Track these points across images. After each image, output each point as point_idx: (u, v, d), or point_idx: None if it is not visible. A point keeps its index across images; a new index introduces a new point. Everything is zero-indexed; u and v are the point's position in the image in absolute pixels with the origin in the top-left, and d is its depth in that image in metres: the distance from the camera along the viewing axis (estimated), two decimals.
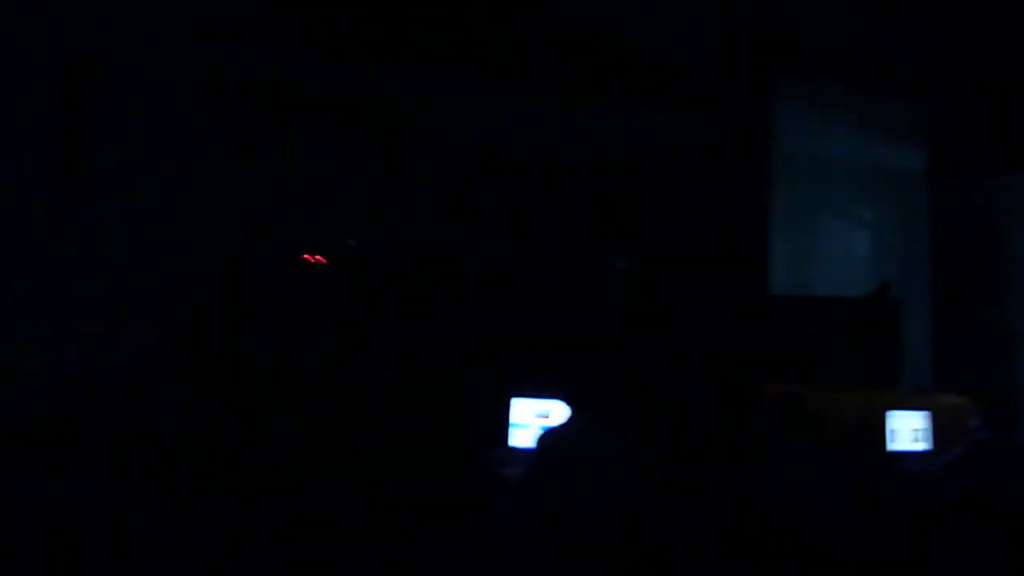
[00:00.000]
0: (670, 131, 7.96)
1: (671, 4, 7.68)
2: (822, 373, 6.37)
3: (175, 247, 5.66)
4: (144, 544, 4.06)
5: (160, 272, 5.54)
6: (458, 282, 6.50)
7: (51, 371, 4.91)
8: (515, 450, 4.71)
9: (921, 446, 5.76)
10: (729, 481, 4.78)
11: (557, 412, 4.60)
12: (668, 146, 7.95)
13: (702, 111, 7.93)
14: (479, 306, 6.16)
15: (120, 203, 5.31)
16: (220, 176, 6.46)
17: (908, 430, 5.78)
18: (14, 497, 4.12)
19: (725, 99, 8.05)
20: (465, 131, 7.45)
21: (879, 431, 5.72)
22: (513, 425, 4.82)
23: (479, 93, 7.32)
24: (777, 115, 8.16)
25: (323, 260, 6.58)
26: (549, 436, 4.03)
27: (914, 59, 8.54)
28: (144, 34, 5.44)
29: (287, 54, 6.68)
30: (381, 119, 7.19)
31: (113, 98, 5.29)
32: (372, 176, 7.28)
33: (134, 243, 5.40)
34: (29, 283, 5.11)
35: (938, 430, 5.86)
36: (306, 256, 6.52)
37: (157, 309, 5.50)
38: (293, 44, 6.66)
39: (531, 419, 4.78)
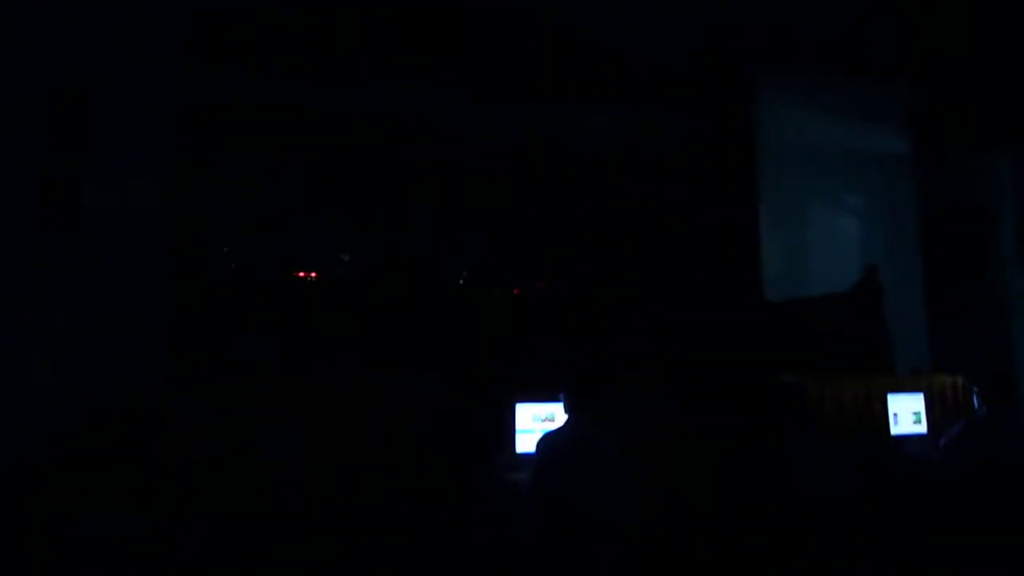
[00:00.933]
0: (654, 128, 8.00)
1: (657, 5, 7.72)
2: (820, 362, 6.40)
3: (167, 270, 5.67)
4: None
5: (154, 295, 5.53)
6: (455, 290, 6.51)
7: (49, 400, 4.90)
8: (520, 455, 4.73)
9: (921, 428, 5.79)
10: (741, 474, 4.79)
11: (560, 415, 4.51)
12: (653, 143, 7.98)
13: (685, 106, 7.98)
14: (477, 313, 6.18)
15: (110, 228, 5.31)
16: (210, 198, 6.48)
17: (907, 412, 5.80)
18: (20, 533, 4.09)
19: (707, 94, 8.09)
20: (454, 139, 7.47)
21: (880, 414, 5.75)
22: (518, 431, 4.82)
23: (465, 101, 7.35)
24: (760, 106, 8.23)
25: (315, 276, 6.58)
26: (549, 439, 4.01)
27: (895, 44, 8.57)
28: (130, 61, 5.45)
29: (269, 74, 6.69)
30: (370, 132, 7.21)
31: (101, 125, 5.30)
32: (364, 190, 7.30)
33: (126, 268, 5.39)
34: (22, 313, 5.10)
35: (936, 410, 5.92)
36: (299, 273, 6.53)
37: (153, 332, 5.49)
38: (275, 64, 6.67)
39: (535, 423, 4.80)
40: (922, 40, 8.46)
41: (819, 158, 8.57)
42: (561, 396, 4.06)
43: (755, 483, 4.57)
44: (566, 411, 4.05)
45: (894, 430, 5.72)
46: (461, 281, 7.07)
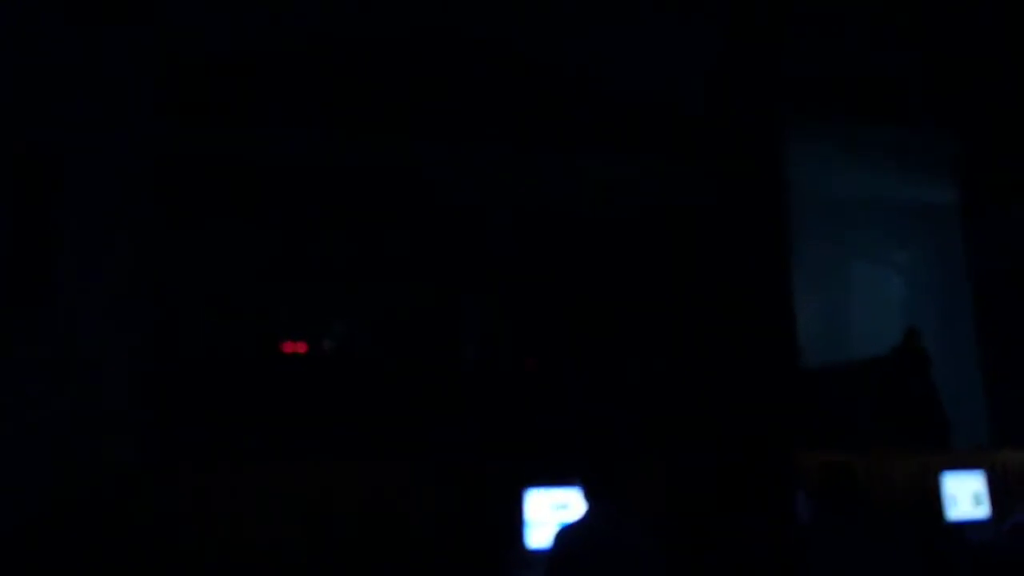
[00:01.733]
0: (685, 184, 7.69)
1: (680, 55, 7.50)
2: (865, 439, 5.99)
3: (147, 342, 5.40)
4: None
5: (134, 369, 5.26)
6: (457, 368, 6.16)
7: (21, 484, 4.60)
8: (532, 552, 4.28)
9: (982, 510, 5.33)
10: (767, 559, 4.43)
11: (576, 503, 4.23)
12: (683, 201, 7.65)
13: (716, 161, 7.68)
14: (481, 394, 5.82)
15: (85, 298, 5.06)
16: (189, 262, 6.21)
17: (966, 493, 5.35)
18: None
19: (738, 146, 7.81)
20: (456, 195, 7.18)
21: (935, 496, 5.30)
22: (529, 522, 4.36)
23: (472, 156, 7.08)
24: (798, 157, 7.92)
25: (303, 349, 6.26)
26: (568, 531, 3.61)
27: (939, 91, 8.30)
28: (100, 122, 5.25)
29: (247, 130, 6.47)
30: (366, 188, 6.92)
31: (72, 188, 5.08)
32: (357, 252, 6.96)
33: (103, 340, 5.13)
34: None
35: (999, 491, 5.46)
36: (286, 344, 6.22)
37: (133, 409, 5.21)
38: (253, 120, 6.45)
39: (548, 513, 4.36)
40: (967, 88, 8.21)
41: (859, 212, 8.27)
42: (579, 482, 3.74)
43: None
44: (586, 499, 3.71)
45: (952, 515, 5.26)
46: (466, 353, 6.69)
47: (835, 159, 8.15)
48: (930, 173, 8.53)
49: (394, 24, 6.96)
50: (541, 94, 7.18)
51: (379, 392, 5.83)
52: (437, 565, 4.48)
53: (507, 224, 7.19)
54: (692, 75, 7.65)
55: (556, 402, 6.22)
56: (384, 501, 4.60)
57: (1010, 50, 7.81)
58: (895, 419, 6.48)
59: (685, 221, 7.54)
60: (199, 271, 6.25)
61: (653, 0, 7.41)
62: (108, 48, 5.27)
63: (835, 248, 8.12)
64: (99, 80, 5.21)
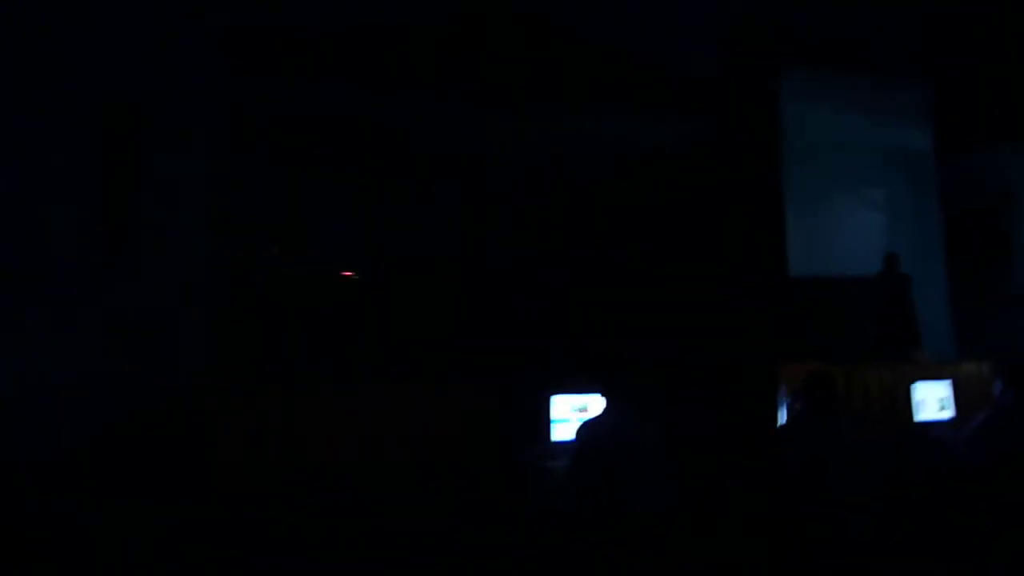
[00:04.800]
0: (681, 131, 8.13)
1: (672, 4, 7.83)
2: (846, 350, 6.47)
3: (216, 272, 5.87)
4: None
5: (203, 296, 5.74)
6: (490, 287, 6.62)
7: (103, 397, 5.11)
8: (557, 444, 4.86)
9: (946, 414, 5.88)
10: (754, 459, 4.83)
11: (594, 405, 4.72)
12: (680, 145, 8.11)
13: (710, 109, 8.08)
14: (513, 310, 6.28)
15: (164, 238, 5.53)
16: (256, 203, 6.69)
17: (933, 400, 5.88)
18: (70, 522, 4.20)
19: (732, 95, 8.19)
20: (481, 143, 7.65)
21: (905, 402, 5.84)
22: (554, 420, 4.96)
23: (490, 109, 7.53)
24: (785, 106, 8.31)
25: (354, 276, 6.72)
26: (586, 428, 4.06)
27: (914, 39, 8.60)
28: (176, 75, 5.66)
29: (313, 84, 6.90)
30: (403, 141, 7.43)
31: (150, 136, 5.51)
32: (398, 194, 7.53)
33: (177, 270, 5.61)
34: (79, 312, 5.33)
35: (962, 398, 5.98)
36: (344, 273, 6.67)
37: (202, 333, 5.69)
38: (319, 74, 6.87)
39: (570, 413, 4.93)
40: (943, 35, 8.49)
41: (843, 155, 8.67)
42: (598, 387, 4.16)
43: (772, 469, 4.62)
44: (605, 400, 4.12)
45: (919, 417, 5.80)
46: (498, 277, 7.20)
47: (818, 108, 8.52)
48: (907, 118, 8.97)
49: None
50: (549, 52, 7.59)
51: (422, 314, 6.32)
52: (477, 455, 5.08)
53: (525, 167, 7.69)
54: (695, 34, 7.98)
55: (575, 321, 6.76)
56: (428, 407, 5.19)
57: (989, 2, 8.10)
58: (877, 333, 6.97)
59: (692, 160, 8.01)
60: (266, 211, 6.79)
61: None
62: (184, 9, 5.66)
63: (818, 189, 8.53)
64: (176, 38, 5.60)
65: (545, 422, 4.95)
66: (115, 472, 4.63)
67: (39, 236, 5.25)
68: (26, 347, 5.11)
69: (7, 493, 4.39)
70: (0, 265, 5.12)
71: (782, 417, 5.04)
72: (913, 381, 5.91)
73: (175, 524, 4.18)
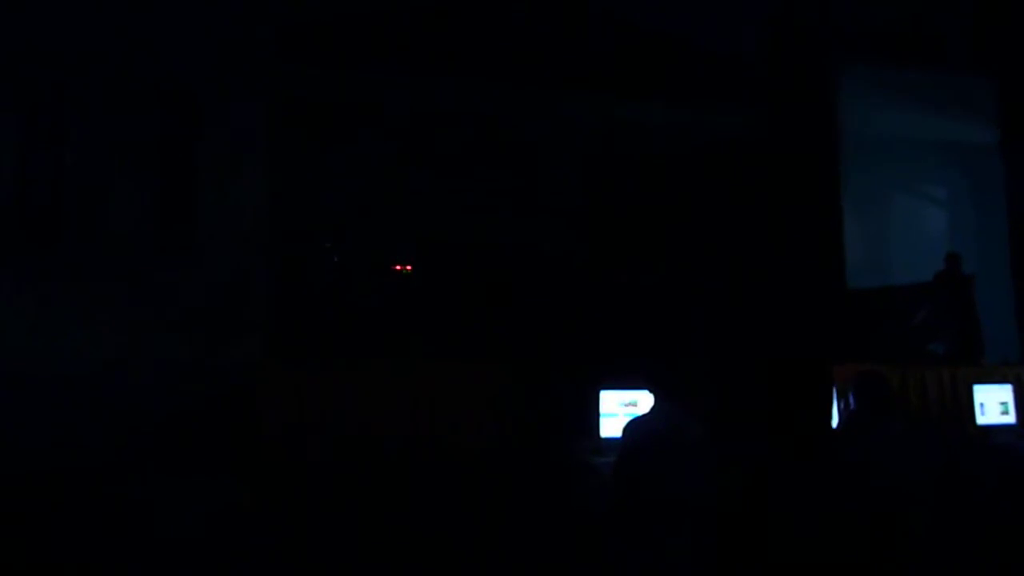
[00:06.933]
0: (741, 124, 8.06)
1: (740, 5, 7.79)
2: (906, 351, 6.36)
3: (273, 261, 6.02)
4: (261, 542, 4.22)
5: (261, 284, 5.89)
6: (543, 282, 6.65)
7: (167, 380, 5.28)
8: (605, 439, 4.88)
9: (1009, 419, 5.75)
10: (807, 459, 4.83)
11: (643, 401, 4.71)
12: (739, 139, 8.03)
13: (770, 102, 8.02)
14: (565, 304, 6.31)
15: (221, 223, 5.70)
16: (312, 192, 6.83)
17: (995, 403, 5.78)
18: (137, 497, 4.37)
19: (790, 87, 8.09)
20: (533, 132, 7.68)
21: (965, 405, 5.75)
22: (603, 415, 4.97)
23: (545, 97, 7.53)
24: (844, 101, 8.16)
25: (410, 268, 6.80)
26: (634, 424, 3.95)
27: (978, 31, 8.40)
28: (234, 65, 5.82)
29: (367, 74, 7.00)
30: (461, 131, 7.48)
31: (212, 120, 5.69)
32: (455, 184, 7.56)
33: (236, 259, 5.78)
34: (144, 301, 5.53)
35: None
36: (396, 266, 6.76)
37: (260, 319, 5.85)
38: (373, 63, 6.97)
39: (619, 409, 4.94)
40: (1007, 26, 8.29)
41: (905, 150, 8.45)
42: (648, 384, 4.09)
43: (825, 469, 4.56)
44: (654, 398, 3.99)
45: (980, 420, 5.71)
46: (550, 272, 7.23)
47: (879, 100, 8.31)
48: (972, 113, 8.67)
49: None
50: (609, 43, 7.59)
51: (477, 304, 6.40)
52: (527, 448, 5.12)
53: (581, 162, 7.71)
54: (752, 24, 7.91)
55: (628, 315, 6.76)
56: (485, 398, 5.24)
57: None
58: (937, 336, 6.82)
59: (751, 155, 7.94)
60: (321, 194, 6.90)
61: None
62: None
63: (879, 183, 8.37)
64: (230, 29, 5.78)
65: (595, 417, 4.97)
66: (179, 453, 4.83)
67: (104, 221, 5.45)
68: (86, 329, 5.31)
69: (71, 469, 4.57)
70: (64, 250, 5.34)
71: (836, 417, 4.99)
72: (973, 383, 5.81)
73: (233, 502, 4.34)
